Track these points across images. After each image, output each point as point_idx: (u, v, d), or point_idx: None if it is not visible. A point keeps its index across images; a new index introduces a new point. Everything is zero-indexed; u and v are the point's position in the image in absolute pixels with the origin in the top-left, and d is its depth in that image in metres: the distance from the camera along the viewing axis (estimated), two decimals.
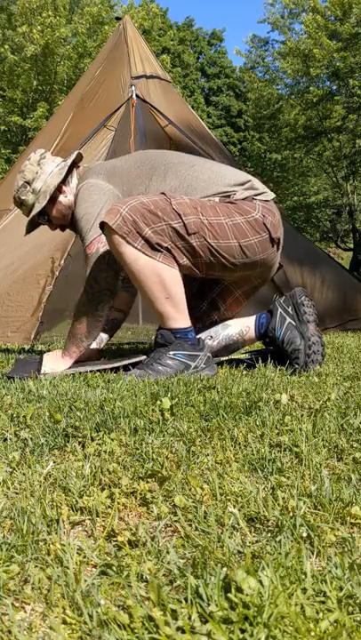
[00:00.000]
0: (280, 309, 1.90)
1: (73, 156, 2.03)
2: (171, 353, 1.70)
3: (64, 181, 2.00)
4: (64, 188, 2.01)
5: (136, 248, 1.66)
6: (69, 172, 2.02)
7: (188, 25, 27.67)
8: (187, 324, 1.74)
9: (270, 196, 1.90)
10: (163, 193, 1.75)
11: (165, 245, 1.68)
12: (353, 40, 13.92)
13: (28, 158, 2.05)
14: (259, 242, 1.81)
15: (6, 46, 13.93)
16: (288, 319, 1.88)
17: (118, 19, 4.63)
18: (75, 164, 2.07)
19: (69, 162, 2.01)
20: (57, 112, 4.68)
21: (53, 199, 2.00)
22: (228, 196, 1.82)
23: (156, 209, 1.68)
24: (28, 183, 2.00)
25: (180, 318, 1.73)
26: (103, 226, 1.70)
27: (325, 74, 14.85)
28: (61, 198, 2.01)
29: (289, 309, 1.90)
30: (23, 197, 2.02)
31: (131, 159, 1.99)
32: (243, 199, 1.82)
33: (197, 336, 1.82)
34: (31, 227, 2.11)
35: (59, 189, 1.99)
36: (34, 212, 2.00)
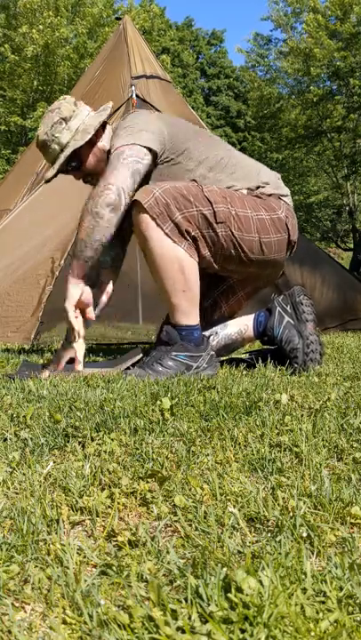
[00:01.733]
0: (278, 308, 1.90)
1: (108, 111, 1.92)
2: (173, 354, 1.68)
3: (95, 137, 1.87)
4: (101, 133, 1.89)
5: (164, 232, 1.64)
6: (101, 126, 1.90)
7: (188, 25, 27.66)
8: (196, 321, 1.72)
9: (291, 201, 1.94)
10: (193, 180, 1.75)
11: (193, 234, 1.67)
12: (353, 40, 13.92)
13: (64, 99, 1.92)
14: (278, 241, 1.83)
15: (7, 46, 13.93)
16: (286, 318, 1.87)
17: (118, 19, 4.63)
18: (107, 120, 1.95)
19: (109, 109, 1.91)
20: None
21: (91, 142, 1.86)
22: (258, 189, 1.85)
23: (189, 194, 1.67)
24: (65, 120, 1.85)
25: (192, 314, 1.71)
26: (133, 203, 1.68)
27: (326, 73, 14.86)
28: (99, 143, 1.88)
29: (287, 308, 1.89)
30: (57, 135, 1.84)
31: (180, 119, 2.00)
32: (269, 195, 1.85)
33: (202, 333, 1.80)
34: (55, 173, 1.96)
35: (96, 133, 1.86)
36: (67, 151, 1.84)
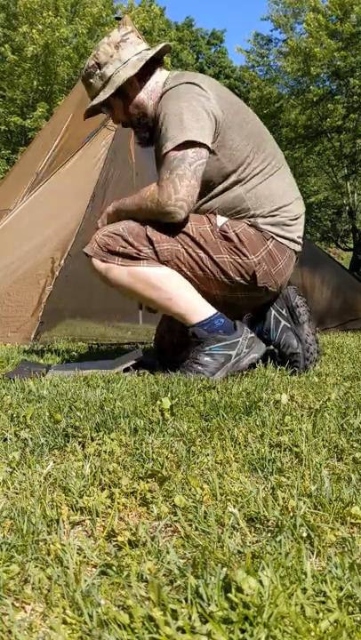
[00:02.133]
0: (273, 311, 1.86)
1: (158, 48, 1.76)
2: (206, 349, 1.63)
3: (139, 75, 1.73)
4: (137, 83, 1.75)
5: (116, 264, 1.66)
6: (149, 66, 1.75)
7: (188, 25, 27.66)
8: (209, 313, 1.66)
9: (296, 244, 1.79)
10: (207, 208, 1.73)
11: (143, 251, 1.65)
12: (353, 39, 13.92)
13: (109, 35, 1.78)
14: (240, 284, 1.74)
15: (6, 46, 13.94)
16: (283, 322, 1.84)
17: (119, 19, 4.63)
18: (159, 59, 1.79)
19: (152, 53, 1.74)
20: (57, 112, 4.68)
21: (123, 93, 1.75)
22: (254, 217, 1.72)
23: (129, 234, 1.66)
24: (99, 66, 1.75)
25: (199, 309, 1.66)
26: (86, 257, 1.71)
27: (326, 73, 14.87)
28: (132, 95, 1.76)
29: (283, 312, 1.86)
30: (91, 80, 1.78)
31: (235, 102, 1.78)
32: (259, 231, 1.72)
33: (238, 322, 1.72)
34: (93, 112, 1.88)
35: (130, 83, 1.74)
36: (95, 102, 1.78)
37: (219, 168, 1.70)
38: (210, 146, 1.63)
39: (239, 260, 1.69)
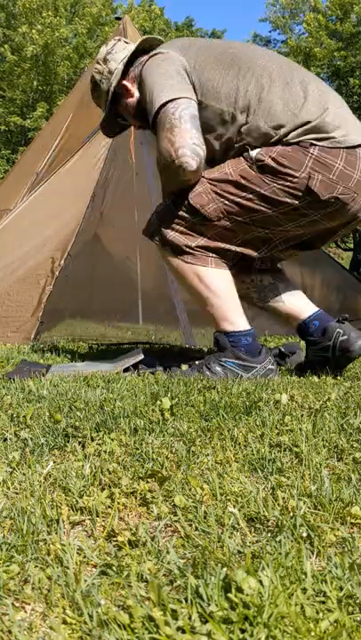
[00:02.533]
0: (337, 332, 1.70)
1: (132, 47, 1.83)
2: (222, 359, 1.63)
3: (128, 78, 1.81)
4: (129, 85, 1.81)
5: (177, 256, 1.68)
6: (131, 62, 1.81)
7: (188, 25, 27.65)
8: (242, 327, 1.65)
9: (350, 138, 1.60)
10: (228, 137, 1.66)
11: (195, 244, 1.65)
12: (353, 39, 13.92)
13: (97, 54, 1.89)
14: (292, 208, 1.62)
15: (6, 46, 13.94)
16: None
17: (118, 19, 4.63)
18: (146, 53, 1.80)
19: (127, 53, 1.80)
20: (57, 112, 4.68)
21: (120, 99, 1.83)
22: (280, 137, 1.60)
23: (177, 210, 1.65)
24: (97, 85, 1.86)
25: (233, 319, 1.65)
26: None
27: (326, 73, 14.86)
28: (128, 96, 1.82)
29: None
30: (96, 101, 1.90)
31: (214, 43, 1.80)
32: (295, 143, 1.59)
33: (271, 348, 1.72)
34: (111, 130, 1.96)
35: (121, 88, 1.81)
36: (102, 119, 1.89)
37: (216, 114, 1.65)
38: (188, 96, 1.62)
39: (288, 183, 1.58)
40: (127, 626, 0.47)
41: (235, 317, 1.65)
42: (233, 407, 1.19)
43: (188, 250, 1.66)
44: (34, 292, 3.08)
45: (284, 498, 0.73)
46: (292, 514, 0.68)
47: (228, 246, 1.67)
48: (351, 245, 18.86)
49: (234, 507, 0.72)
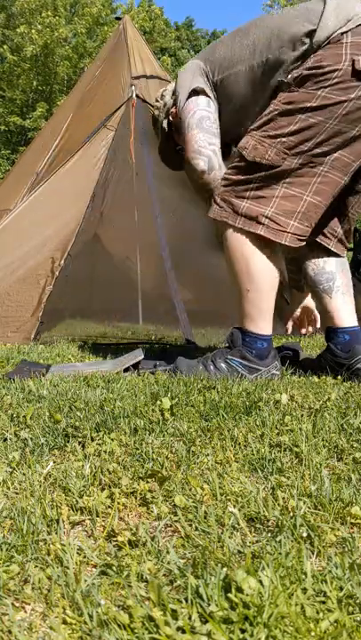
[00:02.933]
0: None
1: (185, 92, 1.83)
2: (228, 357, 1.62)
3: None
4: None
5: (235, 228, 1.58)
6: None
7: (188, 25, 27.67)
8: (265, 332, 1.61)
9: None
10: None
11: (268, 212, 1.54)
12: None
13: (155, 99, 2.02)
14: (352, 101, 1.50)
15: (5, 46, 13.95)
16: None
17: (118, 19, 4.63)
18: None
19: (184, 96, 1.85)
20: (57, 112, 4.69)
21: (177, 129, 1.88)
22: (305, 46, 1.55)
23: (240, 173, 1.59)
24: (156, 121, 1.98)
25: (260, 322, 1.60)
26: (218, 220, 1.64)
27: None
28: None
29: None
30: (157, 136, 2.00)
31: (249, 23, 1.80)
32: (326, 44, 1.51)
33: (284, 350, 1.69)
34: (171, 163, 2.00)
35: (175, 117, 1.87)
36: (161, 153, 1.99)
37: (237, 83, 1.69)
38: (200, 86, 1.70)
39: (335, 80, 1.49)
40: (127, 626, 0.47)
41: (261, 320, 1.61)
42: (233, 407, 1.19)
43: (263, 221, 1.55)
44: (34, 292, 3.08)
45: (284, 498, 0.73)
46: (292, 514, 0.68)
47: (305, 197, 1.55)
48: (351, 245, 18.86)
49: (234, 507, 0.72)
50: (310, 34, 1.54)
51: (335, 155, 1.55)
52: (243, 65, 1.66)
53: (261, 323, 1.61)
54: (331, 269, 1.79)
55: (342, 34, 1.51)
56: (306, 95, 1.51)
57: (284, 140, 1.53)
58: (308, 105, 1.51)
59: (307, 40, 1.55)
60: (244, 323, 1.62)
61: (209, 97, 1.73)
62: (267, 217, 1.55)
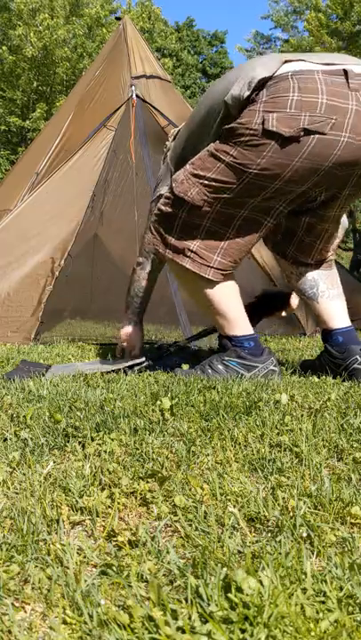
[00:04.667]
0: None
1: None
2: (225, 358, 1.65)
3: None
4: None
5: (180, 264, 1.63)
6: None
7: (189, 25, 27.65)
8: (244, 332, 1.66)
9: (314, 62, 1.49)
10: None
11: (192, 246, 1.60)
12: (354, 38, 13.94)
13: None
14: (270, 157, 1.48)
15: (4, 47, 13.94)
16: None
17: (118, 19, 4.63)
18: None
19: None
20: (57, 113, 4.68)
21: None
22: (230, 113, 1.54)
23: (166, 209, 1.63)
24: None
25: (236, 326, 1.65)
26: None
27: None
28: None
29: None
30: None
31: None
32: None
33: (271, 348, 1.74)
34: None
35: None
36: None
37: (191, 143, 1.73)
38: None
39: (248, 138, 1.48)
40: (127, 626, 0.47)
41: (236, 325, 1.66)
42: (233, 407, 1.19)
43: (189, 254, 1.61)
44: (34, 292, 3.08)
45: (284, 498, 0.73)
46: (292, 514, 0.68)
47: (228, 234, 1.59)
48: (351, 245, 18.85)
49: (234, 507, 0.72)
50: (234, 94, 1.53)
51: (255, 202, 1.56)
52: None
53: (237, 327, 1.66)
54: (313, 276, 1.83)
55: (258, 92, 1.49)
56: (227, 147, 1.52)
57: (206, 182, 1.56)
58: (229, 156, 1.51)
59: (236, 100, 1.53)
60: (224, 331, 1.68)
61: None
62: (192, 251, 1.61)
